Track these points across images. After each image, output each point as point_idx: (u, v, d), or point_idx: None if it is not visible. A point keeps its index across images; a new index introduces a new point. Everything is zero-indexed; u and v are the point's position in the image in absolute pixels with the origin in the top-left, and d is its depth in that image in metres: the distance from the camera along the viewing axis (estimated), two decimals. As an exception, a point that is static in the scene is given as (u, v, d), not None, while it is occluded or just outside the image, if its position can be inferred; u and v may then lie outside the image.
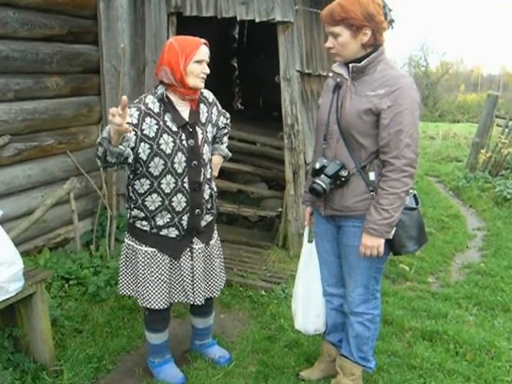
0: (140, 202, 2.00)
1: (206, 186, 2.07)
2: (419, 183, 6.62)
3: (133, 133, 1.85)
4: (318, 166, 1.87)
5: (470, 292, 3.23)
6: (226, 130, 2.29)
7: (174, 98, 1.96)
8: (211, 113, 2.10)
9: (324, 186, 1.84)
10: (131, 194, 2.03)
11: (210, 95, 2.12)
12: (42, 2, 2.95)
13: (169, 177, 1.96)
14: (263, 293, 3.13)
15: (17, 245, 2.04)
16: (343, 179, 1.83)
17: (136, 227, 2.05)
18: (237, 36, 7.20)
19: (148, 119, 1.89)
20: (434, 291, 3.30)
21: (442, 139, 10.92)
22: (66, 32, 3.17)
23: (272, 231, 4.08)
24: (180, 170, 1.96)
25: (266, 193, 4.51)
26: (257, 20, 3.34)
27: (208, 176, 2.08)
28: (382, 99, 1.74)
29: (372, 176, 1.83)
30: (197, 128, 2.00)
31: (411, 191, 1.88)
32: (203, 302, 2.15)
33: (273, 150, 4.38)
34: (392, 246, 1.89)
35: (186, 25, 3.57)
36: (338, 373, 2.13)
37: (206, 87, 2.02)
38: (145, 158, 1.91)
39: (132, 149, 1.85)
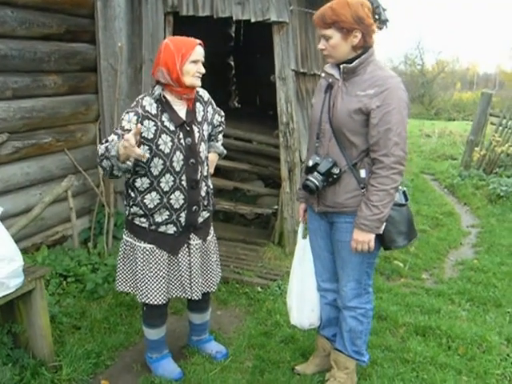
0: (139, 199, 2.03)
1: (203, 184, 2.11)
2: (415, 181, 6.67)
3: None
4: (310, 163, 1.93)
5: (462, 288, 3.28)
6: (221, 128, 2.32)
7: (170, 97, 1.99)
8: (207, 111, 2.13)
9: (317, 183, 1.89)
10: (130, 191, 2.06)
11: (205, 94, 2.15)
12: (40, 0, 2.97)
13: (168, 175, 1.99)
14: (259, 289, 3.17)
15: (15, 242, 2.06)
16: (335, 176, 1.89)
17: (135, 224, 2.08)
18: (233, 35, 7.22)
19: (146, 122, 1.93)
20: (428, 287, 3.35)
21: (437, 137, 10.96)
22: (64, 31, 3.19)
23: (268, 229, 4.12)
24: (178, 169, 1.99)
25: (263, 190, 4.54)
26: (252, 20, 3.37)
27: (205, 173, 2.12)
28: (372, 99, 1.79)
29: (363, 173, 1.89)
30: (194, 127, 2.04)
31: (400, 188, 1.94)
32: (200, 297, 2.19)
33: (269, 148, 4.41)
34: (382, 241, 1.94)
35: (183, 23, 3.60)
36: (333, 367, 2.18)
37: (202, 86, 2.06)
38: (145, 159, 1.94)
39: None
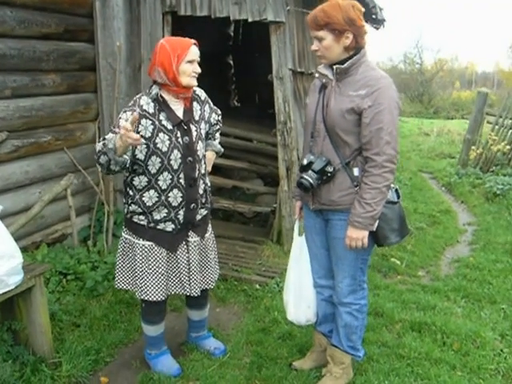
0: (138, 197, 2.06)
1: (201, 182, 2.13)
2: (413, 179, 6.69)
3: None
4: (305, 161, 1.96)
5: (458, 285, 3.31)
6: (217, 127, 2.35)
7: (167, 96, 2.01)
8: (204, 110, 2.16)
9: (311, 181, 1.92)
10: (129, 189, 2.09)
11: (202, 93, 2.18)
12: (39, 0, 2.98)
13: (165, 173, 2.01)
14: (258, 287, 3.20)
15: (15, 240, 2.07)
16: (329, 174, 1.92)
17: (133, 222, 2.11)
18: (232, 34, 7.23)
19: (143, 121, 1.95)
20: (424, 284, 3.37)
21: (436, 136, 10.99)
22: (63, 30, 3.21)
23: (267, 227, 4.14)
24: (176, 167, 2.02)
25: (262, 189, 4.57)
26: (249, 20, 3.39)
27: (202, 171, 2.14)
28: (364, 99, 1.83)
29: (356, 172, 1.92)
30: (191, 125, 2.06)
31: (392, 186, 1.97)
32: (199, 294, 2.21)
33: (268, 147, 4.43)
34: (376, 238, 1.98)
35: (182, 23, 3.62)
36: (329, 362, 2.21)
37: (201, 85, 2.08)
38: (142, 157, 1.97)
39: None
